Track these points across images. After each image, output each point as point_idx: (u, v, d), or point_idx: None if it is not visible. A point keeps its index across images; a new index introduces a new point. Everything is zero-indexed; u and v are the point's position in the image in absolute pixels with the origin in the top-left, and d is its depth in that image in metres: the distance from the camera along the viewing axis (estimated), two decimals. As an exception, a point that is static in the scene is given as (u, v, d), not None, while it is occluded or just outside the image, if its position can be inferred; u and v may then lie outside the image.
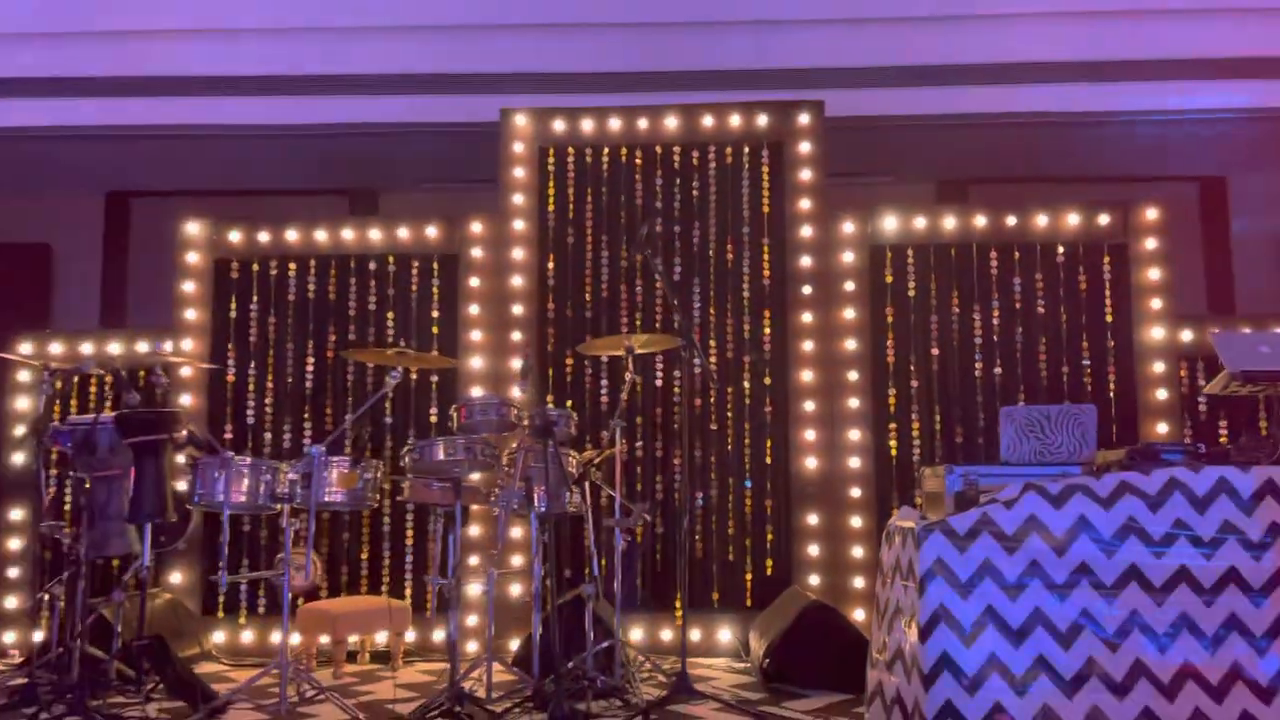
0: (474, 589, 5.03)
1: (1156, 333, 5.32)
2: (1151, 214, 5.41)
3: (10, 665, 5.06)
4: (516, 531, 5.19)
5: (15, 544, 5.51)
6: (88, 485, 4.05)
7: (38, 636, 5.41)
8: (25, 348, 5.66)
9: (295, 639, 5.09)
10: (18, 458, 5.60)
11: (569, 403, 5.37)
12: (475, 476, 4.40)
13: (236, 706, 4.00)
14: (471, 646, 5.11)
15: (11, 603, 5.48)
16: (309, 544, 3.87)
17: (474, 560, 5.09)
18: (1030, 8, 6.57)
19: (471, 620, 5.14)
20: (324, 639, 4.91)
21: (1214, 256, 7.52)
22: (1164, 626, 3.22)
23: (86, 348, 5.61)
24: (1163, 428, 5.21)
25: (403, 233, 5.62)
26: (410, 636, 5.14)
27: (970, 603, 3.26)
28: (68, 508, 5.39)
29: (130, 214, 7.96)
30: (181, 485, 4.17)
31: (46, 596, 4.97)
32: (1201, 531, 3.26)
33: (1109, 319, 5.39)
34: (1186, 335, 5.35)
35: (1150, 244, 5.38)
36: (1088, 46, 6.56)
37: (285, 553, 3.86)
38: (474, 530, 5.14)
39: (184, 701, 3.97)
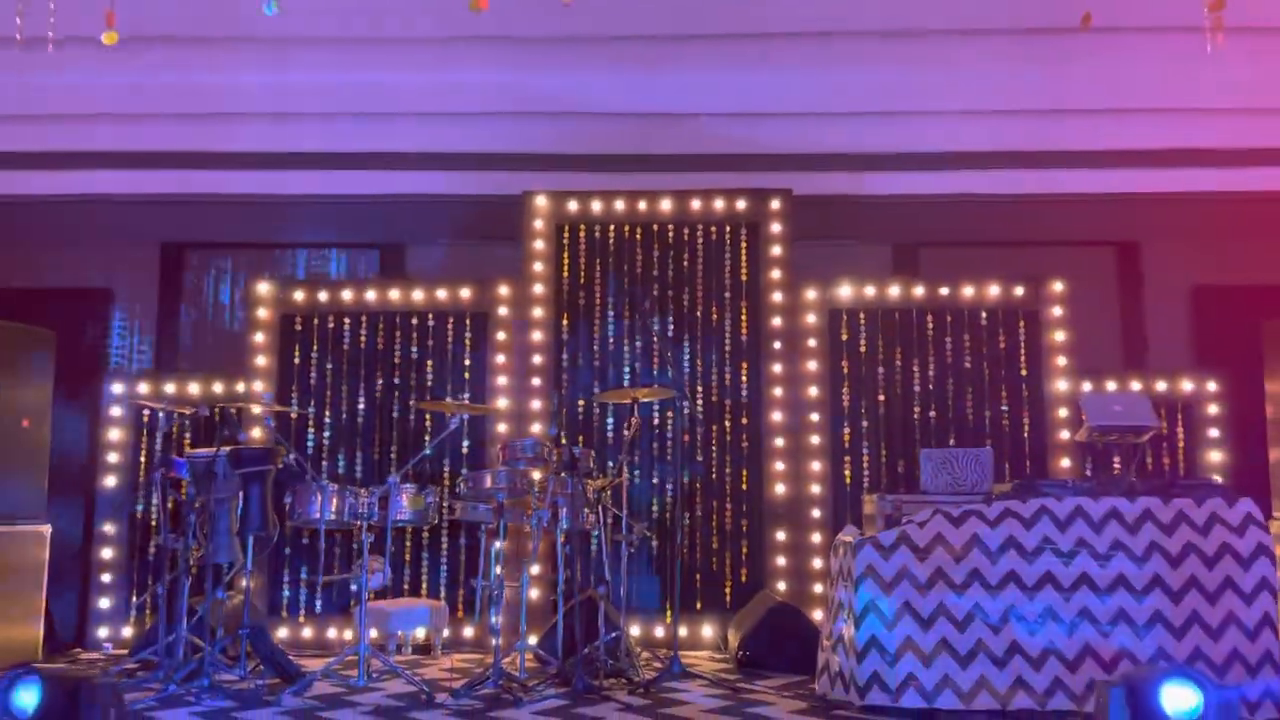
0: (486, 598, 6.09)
1: (1062, 384, 6.49)
2: (1058, 286, 6.60)
3: (113, 654, 6.07)
4: (534, 545, 6.24)
5: (108, 553, 6.53)
6: (198, 505, 5.07)
7: (126, 631, 6.43)
8: (116, 387, 6.70)
9: (349, 634, 6.14)
10: (109, 481, 6.62)
11: (580, 438, 6.47)
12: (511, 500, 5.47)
13: (319, 681, 5.02)
14: (497, 641, 6.15)
15: (105, 603, 6.49)
16: (386, 553, 4.93)
17: (497, 569, 6.15)
18: (973, 105, 7.69)
19: (496, 620, 6.18)
20: (374, 633, 5.94)
21: (1129, 314, 8.68)
22: (1034, 616, 4.35)
23: (169, 387, 6.65)
24: (1066, 462, 6.37)
25: (441, 293, 6.71)
26: (445, 633, 6.18)
27: (892, 599, 4.38)
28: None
29: (184, 263, 8.97)
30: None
31: (148, 596, 6.02)
32: (1062, 545, 4.40)
33: (1023, 373, 6.56)
34: (1087, 386, 6.51)
35: (1056, 311, 6.57)
36: (1019, 139, 7.73)
37: (364, 559, 4.92)
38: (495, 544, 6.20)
39: (279, 677, 5.00)
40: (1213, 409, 6.51)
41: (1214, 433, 6.47)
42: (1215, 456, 6.45)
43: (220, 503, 5.02)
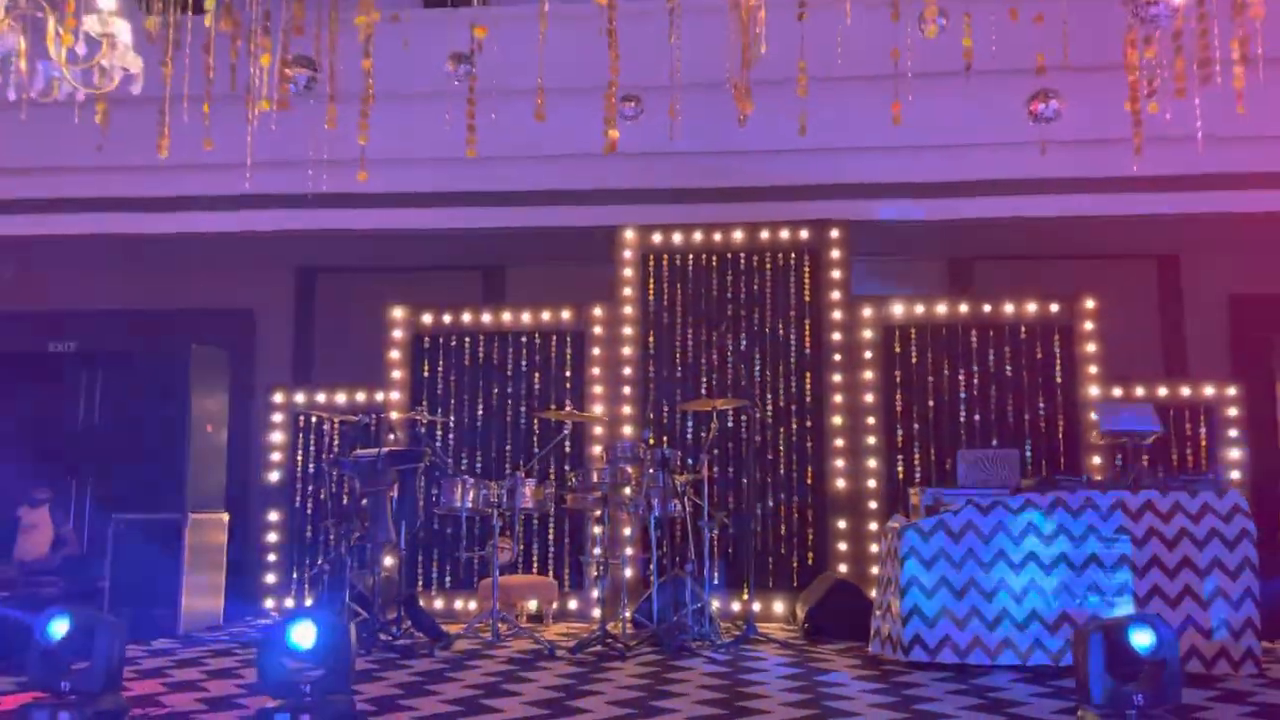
0: (592, 572, 7.17)
1: (1093, 390, 7.31)
2: (1089, 303, 7.41)
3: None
4: (627, 530, 7.32)
5: (272, 537, 7.80)
6: (362, 495, 6.25)
7: (288, 602, 7.68)
8: (278, 397, 7.96)
9: (473, 605, 7.28)
10: (273, 476, 7.89)
11: (665, 439, 7.51)
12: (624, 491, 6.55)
13: (460, 640, 6.15)
14: (595, 612, 7.24)
15: (271, 578, 7.76)
16: (514, 535, 6.04)
17: (599, 550, 7.23)
18: (1019, 138, 8.44)
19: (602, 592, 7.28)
20: (495, 605, 7.06)
21: (1169, 322, 9.36)
22: (1050, 590, 5.25)
23: (321, 397, 7.89)
24: (1097, 460, 7.19)
25: (545, 315, 7.82)
26: (554, 605, 7.29)
27: (931, 573, 5.33)
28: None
29: (316, 285, 10.26)
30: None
31: (320, 567, 7.23)
32: (1074, 530, 5.29)
33: (1058, 380, 7.39)
34: (1117, 391, 7.32)
35: (1088, 325, 7.39)
36: (1067, 167, 8.47)
37: (494, 539, 6.04)
38: (599, 529, 7.28)
39: (427, 637, 6.15)
40: (1233, 411, 7.26)
41: (1233, 433, 7.22)
42: (1234, 454, 7.20)
43: (379, 493, 6.20)
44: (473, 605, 7.43)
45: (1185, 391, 7.34)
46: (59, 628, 3.83)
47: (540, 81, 5.10)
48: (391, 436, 7.66)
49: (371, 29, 4.57)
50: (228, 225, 9.22)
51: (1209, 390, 7.32)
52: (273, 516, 7.80)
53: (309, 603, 7.46)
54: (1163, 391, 7.36)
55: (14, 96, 2.77)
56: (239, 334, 10.21)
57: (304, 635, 3.82)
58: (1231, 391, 7.30)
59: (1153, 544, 5.21)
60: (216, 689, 4.80)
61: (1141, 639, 3.68)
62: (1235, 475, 7.17)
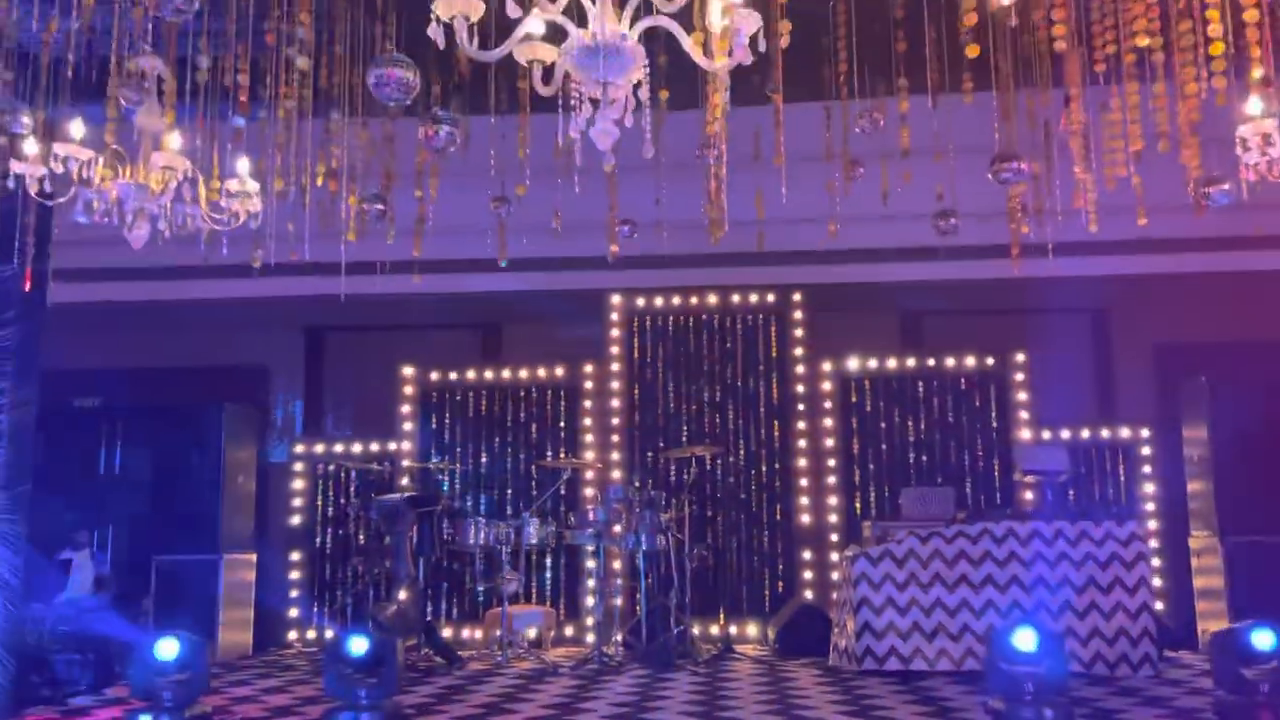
0: (588, 601, 8.04)
1: (1025, 433, 8.32)
2: (1020, 357, 8.46)
3: (308, 650, 8.12)
4: (617, 563, 8.20)
5: (295, 575, 8.61)
6: (384, 535, 7.11)
7: (310, 634, 8.47)
8: (299, 448, 8.82)
9: (478, 633, 8.12)
10: (295, 520, 8.72)
11: (650, 481, 8.42)
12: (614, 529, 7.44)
13: (472, 662, 6.99)
14: (589, 637, 8.09)
15: (294, 613, 8.56)
16: (524, 567, 6.90)
17: (593, 581, 8.10)
18: (964, 208, 9.53)
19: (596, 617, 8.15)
20: (496, 631, 7.90)
21: (1101, 369, 10.42)
22: (979, 606, 6.19)
23: (339, 447, 8.75)
24: (1029, 494, 8.17)
25: (541, 372, 8.76)
26: (551, 632, 8.12)
27: (879, 594, 6.26)
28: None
29: (324, 343, 11.13)
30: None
31: (343, 602, 8.05)
32: (998, 555, 6.25)
33: (994, 424, 8.41)
34: (1046, 434, 8.33)
35: (1019, 376, 8.42)
36: (1004, 235, 9.53)
37: (504, 571, 6.91)
38: (590, 563, 8.15)
39: (443, 659, 6.99)
40: (1146, 450, 8.29)
41: (1147, 469, 8.24)
42: (1149, 488, 8.22)
43: (400, 533, 7.06)
44: (478, 634, 8.26)
45: (1105, 433, 8.37)
46: (166, 648, 4.68)
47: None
48: (405, 481, 8.54)
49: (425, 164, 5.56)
50: (243, 291, 10.09)
51: (1125, 432, 8.36)
52: (295, 556, 8.62)
53: (330, 634, 8.25)
54: (1085, 434, 8.38)
55: (144, 234, 3.63)
56: (254, 389, 11.04)
57: (359, 646, 4.69)
58: (1145, 433, 8.34)
59: (1063, 565, 6.18)
60: (275, 702, 5.63)
61: (1025, 640, 4.62)
62: (1150, 507, 8.19)
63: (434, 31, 2.25)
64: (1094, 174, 4.90)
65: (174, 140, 3.57)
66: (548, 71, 2.50)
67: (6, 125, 3.28)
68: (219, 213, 3.85)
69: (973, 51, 3.47)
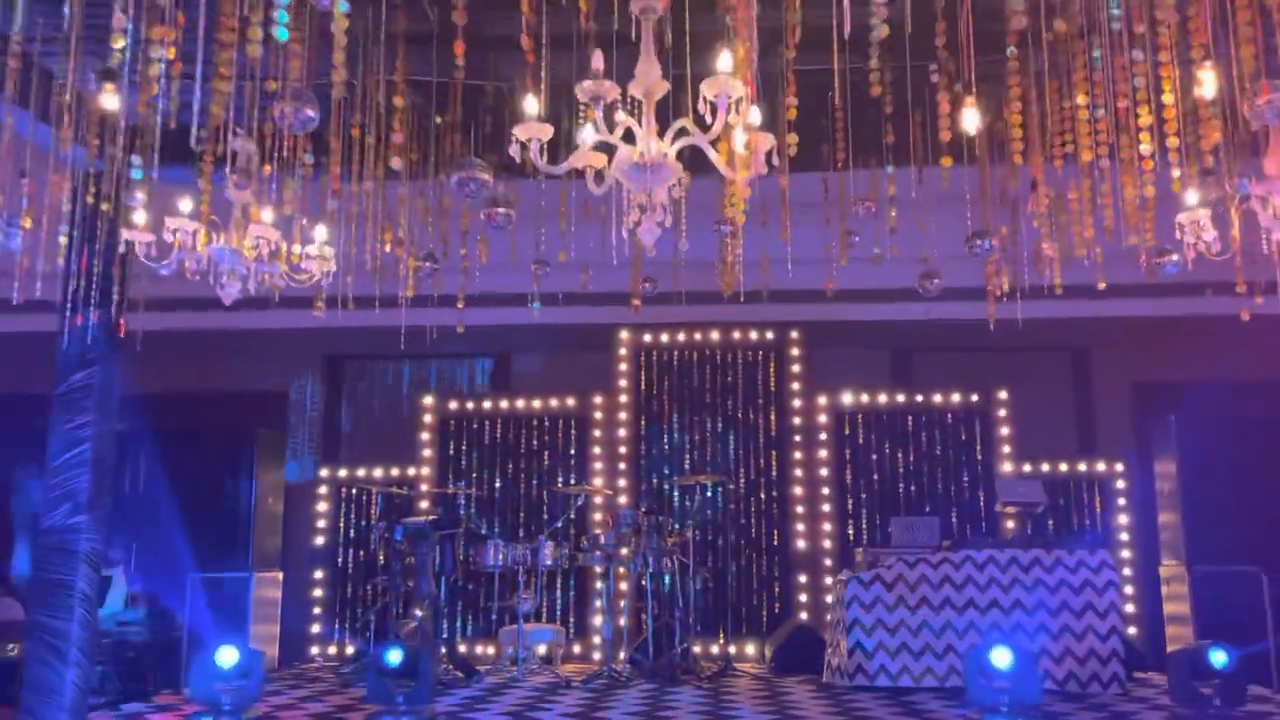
0: (598, 620, 8.53)
1: (1006, 466, 8.87)
2: (1003, 394, 9.01)
3: (330, 664, 8.59)
4: (624, 585, 8.69)
5: (318, 593, 9.09)
6: (408, 559, 7.60)
7: (331, 649, 8.93)
8: (324, 472, 9.32)
9: (491, 650, 8.60)
10: (319, 540, 9.20)
11: (655, 507, 8.93)
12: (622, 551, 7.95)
13: (489, 677, 7.46)
14: (596, 655, 8.58)
15: (316, 628, 9.03)
16: (538, 587, 7.40)
17: (602, 602, 8.59)
18: (952, 252, 10.13)
19: (606, 635, 8.63)
20: (509, 648, 8.38)
21: (1081, 405, 10.99)
22: (963, 627, 6.71)
23: (361, 472, 9.26)
24: (1010, 524, 8.70)
25: (553, 402, 9.29)
26: (561, 650, 8.60)
27: (869, 616, 6.78)
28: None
29: (343, 371, 11.65)
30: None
31: (366, 619, 8.52)
32: (980, 580, 6.78)
33: (979, 457, 8.95)
34: (1026, 467, 8.87)
35: (1002, 412, 8.98)
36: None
37: (520, 590, 7.41)
38: (599, 584, 8.65)
39: (462, 673, 7.47)
40: (1120, 484, 8.84)
41: (1122, 501, 8.79)
42: (1123, 519, 8.76)
43: (424, 554, 7.56)
44: (491, 650, 8.74)
45: (1082, 467, 8.92)
46: (226, 656, 5.18)
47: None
48: (424, 505, 9.04)
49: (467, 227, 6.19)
50: (266, 322, 10.61)
51: (1101, 466, 8.91)
52: (318, 575, 9.10)
53: (350, 650, 8.72)
54: (1064, 467, 8.93)
55: (226, 289, 4.15)
56: (274, 414, 11.54)
57: (397, 657, 5.19)
58: (1119, 467, 8.89)
59: (1040, 591, 6.71)
60: (314, 709, 6.11)
61: (1005, 657, 5.15)
62: (1124, 537, 8.72)
63: (514, 150, 2.80)
64: (1059, 245, 5.47)
65: (267, 214, 4.11)
66: (597, 171, 3.04)
67: (123, 197, 3.78)
68: (298, 273, 4.40)
69: (946, 137, 4.02)
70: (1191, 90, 3.23)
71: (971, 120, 3.65)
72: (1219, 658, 5.31)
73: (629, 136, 2.86)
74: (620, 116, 2.79)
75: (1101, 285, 5.89)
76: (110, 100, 3.30)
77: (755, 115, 2.74)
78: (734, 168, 2.77)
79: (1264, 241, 3.65)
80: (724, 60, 2.64)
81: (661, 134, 2.79)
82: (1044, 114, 4.71)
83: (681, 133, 2.84)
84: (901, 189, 6.99)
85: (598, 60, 2.65)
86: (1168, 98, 3.39)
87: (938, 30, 4.03)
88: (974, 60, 3.92)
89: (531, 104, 2.81)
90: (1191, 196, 3.68)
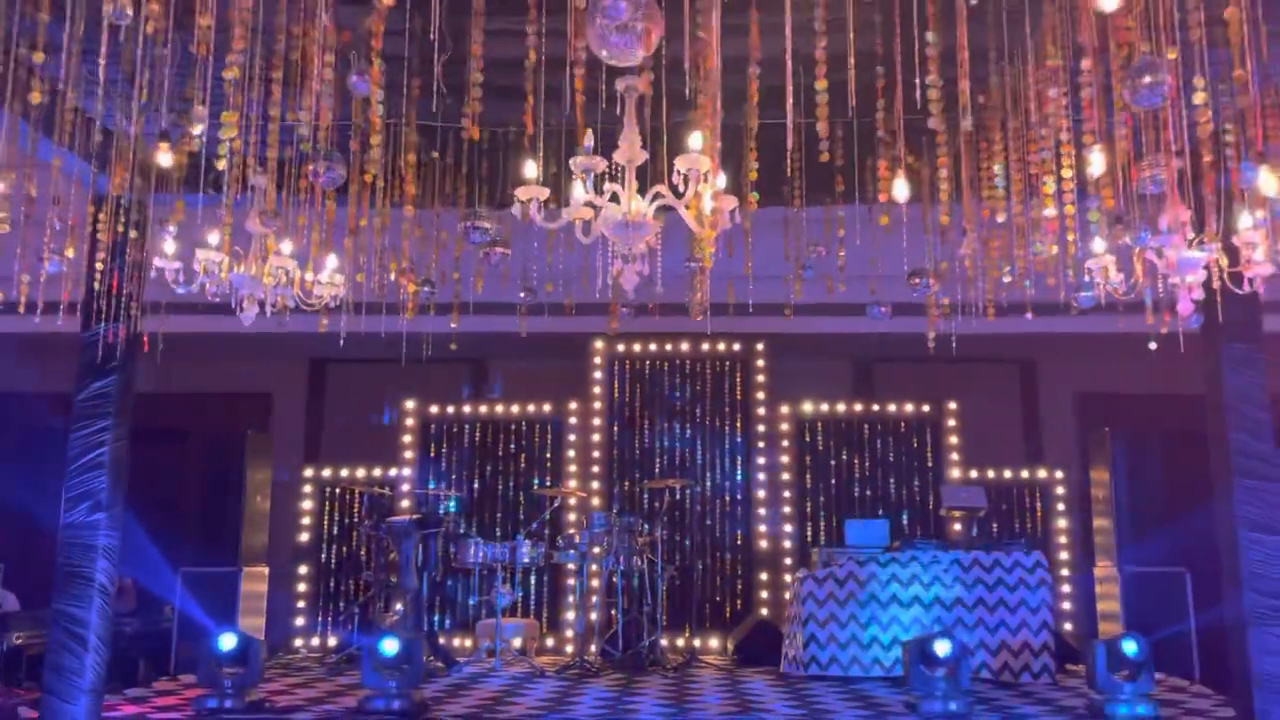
0: (571, 614, 9.03)
1: (955, 472, 9.48)
2: (953, 404, 9.63)
3: (314, 656, 9.01)
4: (596, 581, 9.19)
5: (302, 587, 9.50)
6: (391, 555, 8.05)
7: (332, 641, 9.34)
8: (308, 471, 9.73)
9: (469, 643, 9.08)
10: (303, 537, 9.61)
11: (626, 508, 9.45)
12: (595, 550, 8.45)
13: (469, 667, 7.93)
14: (568, 647, 9.07)
15: (300, 621, 9.44)
16: (514, 583, 7.88)
17: (574, 597, 9.08)
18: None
19: (578, 628, 9.13)
20: (485, 640, 8.85)
21: (1028, 415, 11.64)
22: (908, 622, 7.29)
23: (344, 472, 9.68)
24: (958, 526, 9.31)
25: (530, 407, 9.77)
26: (535, 643, 9.08)
27: (823, 611, 7.34)
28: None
29: (326, 375, 12.03)
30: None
31: (351, 612, 8.95)
32: (924, 579, 7.36)
33: (929, 464, 9.56)
34: (974, 474, 9.49)
35: (952, 421, 9.59)
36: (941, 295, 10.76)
37: (498, 585, 7.89)
38: (572, 581, 9.14)
39: (442, 663, 7.94)
40: (1060, 490, 9.49)
41: (1061, 506, 9.44)
42: (1062, 523, 9.41)
43: (407, 551, 8.02)
44: (469, 642, 9.20)
45: (1025, 474, 9.56)
46: (226, 641, 5.61)
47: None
48: (405, 504, 9.49)
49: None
50: (254, 327, 10.98)
51: (1043, 473, 9.56)
52: (302, 570, 9.51)
53: (333, 641, 9.15)
54: (1008, 474, 9.57)
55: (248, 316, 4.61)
56: (259, 415, 11.90)
57: (390, 646, 5.67)
58: (1059, 475, 9.54)
59: (979, 588, 7.31)
60: (304, 695, 6.55)
61: (943, 647, 5.72)
62: (1063, 540, 9.38)
63: (517, 210, 3.29)
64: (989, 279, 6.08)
65: (286, 246, 4.57)
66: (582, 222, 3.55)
67: (156, 230, 4.20)
68: (309, 298, 4.87)
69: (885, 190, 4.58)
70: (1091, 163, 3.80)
71: (901, 191, 4.20)
72: (1130, 647, 5.90)
73: (614, 195, 3.36)
74: (606, 186, 3.30)
75: (1028, 314, 6.47)
76: (165, 158, 3.75)
77: (720, 181, 3.26)
78: (702, 225, 3.28)
79: (1160, 284, 4.23)
80: (695, 139, 3.15)
81: (641, 192, 3.29)
82: (974, 171, 5.28)
83: (658, 196, 3.35)
84: (853, 221, 7.60)
85: (588, 139, 3.15)
86: (1066, 171, 3.96)
87: (878, 107, 4.61)
88: (904, 133, 4.51)
89: (530, 168, 3.31)
90: (1098, 244, 4.25)
